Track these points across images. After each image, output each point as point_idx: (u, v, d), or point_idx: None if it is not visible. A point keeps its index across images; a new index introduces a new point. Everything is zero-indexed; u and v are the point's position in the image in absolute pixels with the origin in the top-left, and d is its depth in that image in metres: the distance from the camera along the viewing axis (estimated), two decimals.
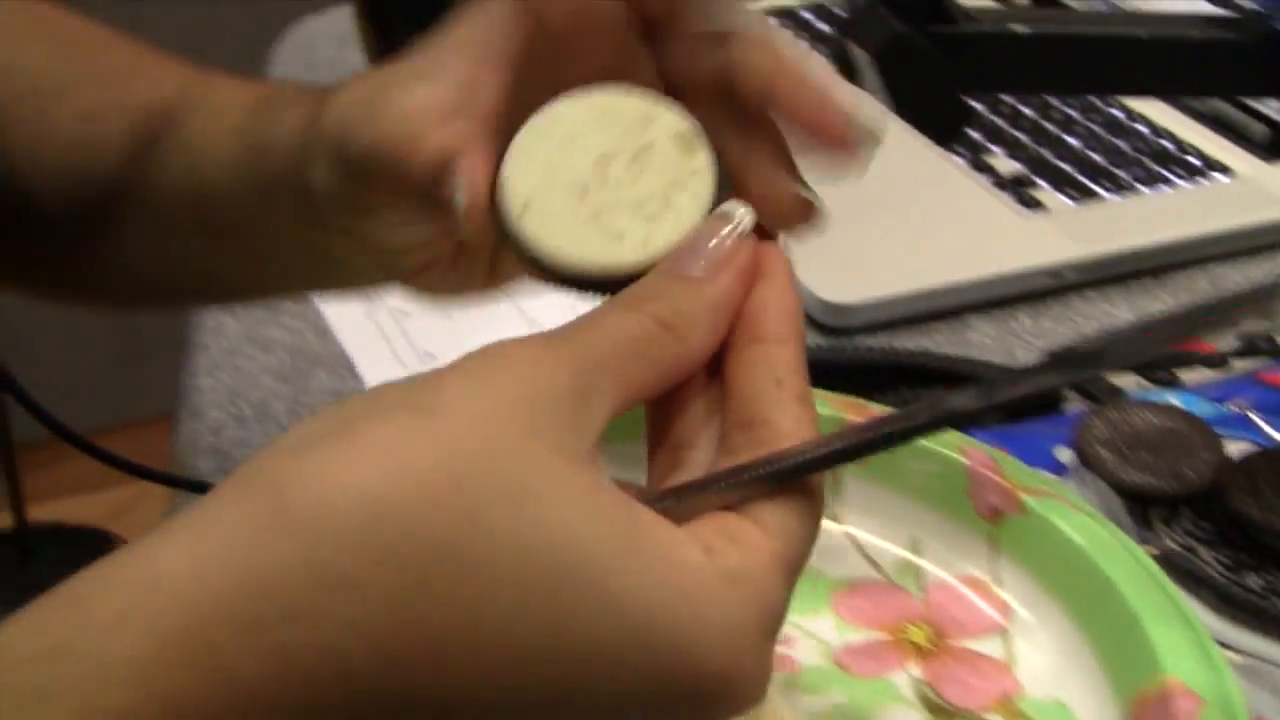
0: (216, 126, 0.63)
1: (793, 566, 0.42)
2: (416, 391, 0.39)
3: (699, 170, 0.49)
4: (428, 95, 0.51)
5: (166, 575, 0.36)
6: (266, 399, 0.83)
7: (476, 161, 0.49)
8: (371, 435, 0.37)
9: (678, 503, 0.42)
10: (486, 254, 0.59)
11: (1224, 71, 0.58)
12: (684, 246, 0.47)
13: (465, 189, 0.48)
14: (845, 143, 0.51)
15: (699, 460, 0.45)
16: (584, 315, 0.44)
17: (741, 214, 0.48)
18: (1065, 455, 0.71)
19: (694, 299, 0.45)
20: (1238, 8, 0.59)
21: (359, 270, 0.61)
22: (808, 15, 1.27)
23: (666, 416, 0.46)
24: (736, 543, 0.41)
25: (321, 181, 0.55)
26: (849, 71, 0.60)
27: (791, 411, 0.44)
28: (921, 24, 0.56)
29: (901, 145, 1.02)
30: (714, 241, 0.46)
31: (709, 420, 0.46)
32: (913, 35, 0.56)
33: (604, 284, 0.48)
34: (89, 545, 2.30)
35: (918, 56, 0.56)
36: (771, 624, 0.40)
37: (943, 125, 0.58)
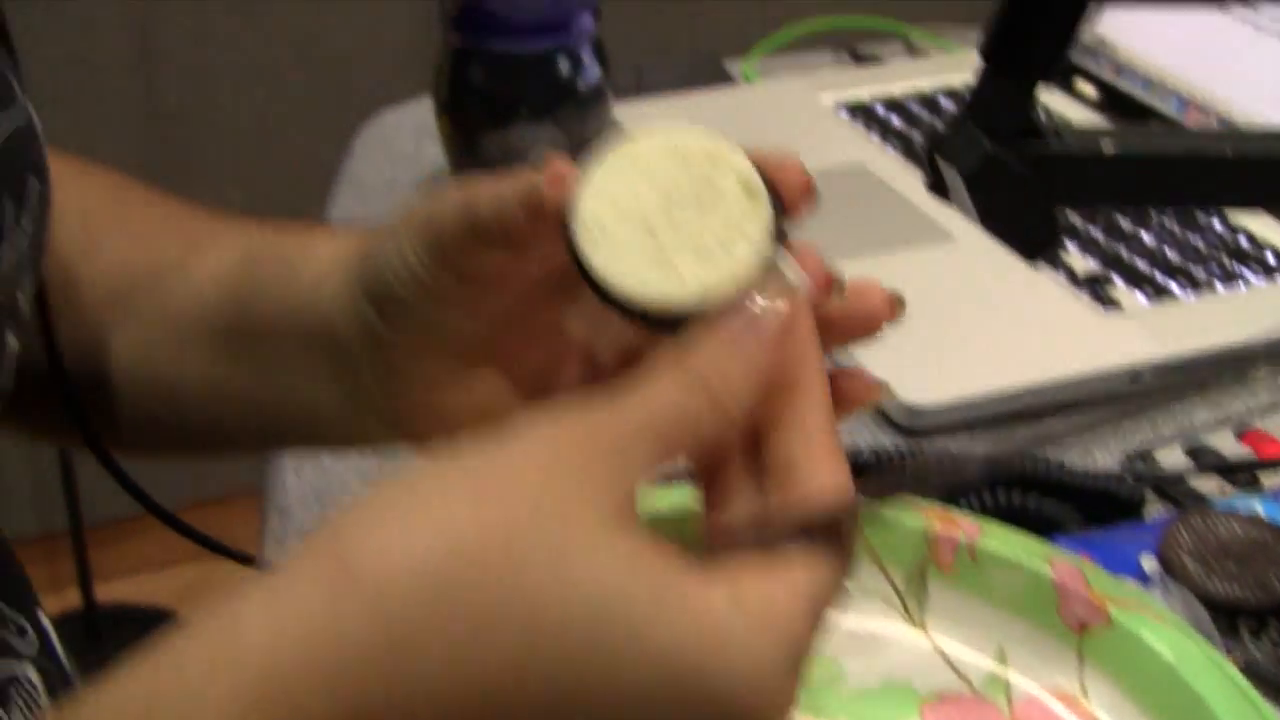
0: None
1: (820, 605, 0.45)
2: (472, 462, 0.43)
3: (760, 220, 0.50)
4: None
5: (248, 638, 0.40)
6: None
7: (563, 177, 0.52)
8: (431, 509, 0.42)
9: (713, 550, 0.46)
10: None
11: None
12: (736, 305, 0.49)
13: (550, 184, 0.51)
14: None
15: (741, 501, 0.49)
16: (631, 377, 0.47)
17: (795, 279, 0.49)
18: (1150, 564, 0.71)
19: (739, 366, 0.47)
20: None
21: (368, 414, 0.63)
22: (880, 110, 1.28)
23: (709, 466, 0.50)
24: (767, 583, 0.44)
25: (403, 271, 0.57)
26: (939, 186, 0.61)
27: (824, 463, 0.47)
28: (1012, 142, 0.57)
29: (978, 245, 1.03)
30: (764, 307, 0.48)
31: (747, 466, 0.49)
32: (1003, 155, 0.56)
33: (659, 320, 0.50)
34: (157, 626, 2.31)
35: (1008, 175, 0.57)
36: (796, 660, 0.44)
37: (1032, 242, 0.58)
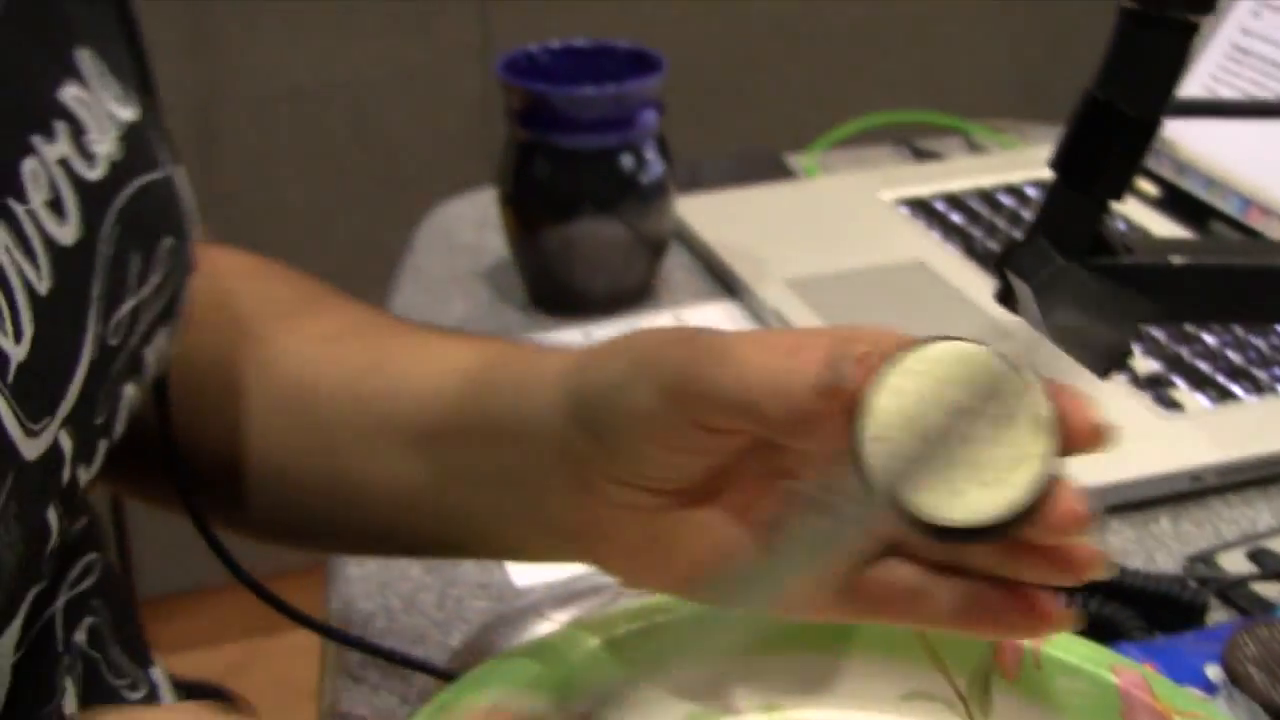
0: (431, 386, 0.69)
1: None
2: None
3: (1043, 455, 0.52)
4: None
5: None
6: (415, 590, 0.84)
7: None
8: None
9: None
10: (684, 555, 0.61)
11: None
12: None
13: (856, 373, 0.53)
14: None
15: None
16: None
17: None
18: (1215, 673, 0.71)
19: None
20: None
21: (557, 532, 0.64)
22: (940, 206, 1.28)
23: None
24: None
25: (631, 414, 0.58)
26: (1008, 298, 0.61)
27: None
28: (1082, 257, 0.58)
29: (1038, 345, 1.03)
30: None
31: None
32: (1075, 270, 0.57)
33: (925, 529, 0.52)
34: (207, 700, 2.31)
35: (1081, 289, 0.57)
36: None
37: (1103, 359, 0.58)
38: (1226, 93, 1.26)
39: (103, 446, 0.63)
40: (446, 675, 0.73)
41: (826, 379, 0.53)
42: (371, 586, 0.84)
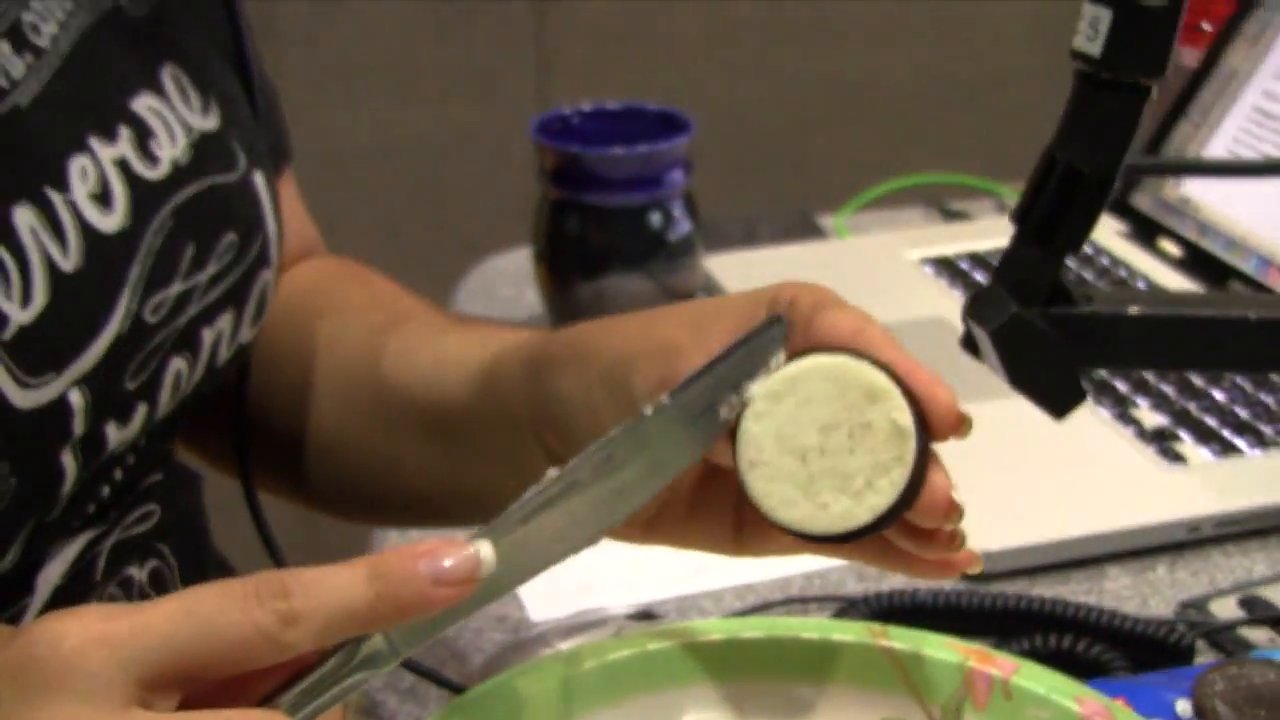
0: (466, 375, 0.78)
1: None
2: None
3: (904, 460, 0.59)
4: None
5: None
6: None
7: None
8: None
9: None
10: (729, 512, 0.67)
11: None
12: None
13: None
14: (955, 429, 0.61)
15: None
16: None
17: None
18: (1184, 708, 0.73)
19: None
20: None
21: None
22: (964, 265, 1.32)
23: None
24: None
25: (572, 389, 0.68)
26: (971, 345, 0.65)
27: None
28: (1040, 306, 0.61)
29: None
30: None
31: None
32: (1029, 316, 0.60)
33: (802, 538, 0.60)
34: None
35: (1034, 336, 0.61)
36: None
37: (1058, 401, 0.62)
38: (1248, 155, 1.29)
39: (141, 409, 0.72)
40: (459, 689, 0.77)
41: None
42: None
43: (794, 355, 0.61)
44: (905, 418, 0.59)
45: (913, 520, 0.61)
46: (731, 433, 0.60)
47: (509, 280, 1.34)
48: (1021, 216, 0.62)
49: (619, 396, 0.65)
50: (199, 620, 0.50)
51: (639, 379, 0.64)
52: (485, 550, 0.53)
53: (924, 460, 0.59)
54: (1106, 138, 0.60)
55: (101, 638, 0.49)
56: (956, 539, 0.62)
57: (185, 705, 0.51)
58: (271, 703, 0.53)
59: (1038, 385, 0.62)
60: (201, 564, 0.82)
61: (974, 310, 0.62)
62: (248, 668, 0.51)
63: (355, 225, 2.48)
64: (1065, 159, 0.60)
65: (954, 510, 0.60)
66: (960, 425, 0.60)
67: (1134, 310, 0.62)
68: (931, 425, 0.60)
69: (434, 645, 0.84)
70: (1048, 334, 0.60)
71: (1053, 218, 0.61)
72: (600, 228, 1.16)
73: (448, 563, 0.52)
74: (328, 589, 0.51)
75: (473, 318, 0.84)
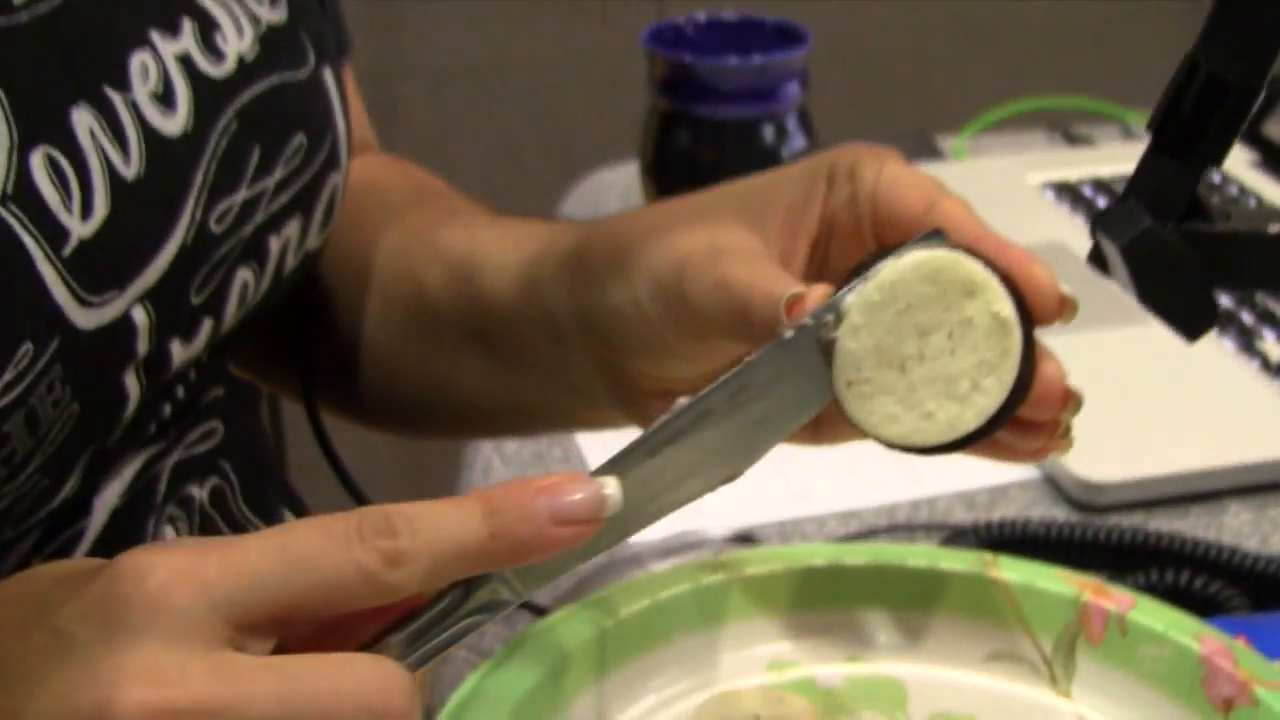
0: (503, 278, 0.73)
1: None
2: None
3: (1009, 353, 0.54)
4: (763, 262, 0.59)
5: None
6: None
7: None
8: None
9: None
10: None
11: None
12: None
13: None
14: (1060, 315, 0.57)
15: None
16: None
17: None
18: None
19: None
20: None
21: (602, 398, 0.69)
22: (1088, 191, 1.28)
23: None
24: None
25: (617, 299, 0.64)
26: (1100, 260, 0.61)
27: None
28: (1175, 221, 0.58)
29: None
30: None
31: None
32: (1162, 231, 0.57)
33: (919, 450, 0.56)
34: None
35: (1167, 252, 0.57)
36: None
37: (1190, 322, 0.58)
38: None
39: (206, 324, 0.68)
40: (543, 612, 0.75)
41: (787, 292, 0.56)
42: None
43: (879, 250, 0.57)
44: (1007, 308, 0.55)
45: (1027, 415, 0.57)
46: (826, 351, 0.56)
47: (616, 194, 1.32)
48: (1158, 126, 0.58)
49: (674, 306, 0.61)
50: (296, 558, 0.46)
51: (692, 286, 0.60)
52: (611, 487, 0.49)
53: (1030, 351, 0.55)
54: (1253, 45, 0.56)
55: (191, 574, 0.46)
56: (1061, 427, 0.58)
57: (282, 649, 0.47)
58: (377, 647, 0.49)
59: (1169, 304, 0.58)
60: (263, 483, 0.78)
61: (1104, 224, 0.58)
62: (350, 609, 0.47)
63: (468, 142, 2.48)
64: (1208, 66, 0.57)
65: (1070, 399, 0.56)
66: (1064, 308, 0.57)
67: (1275, 229, 0.59)
68: (1034, 311, 0.56)
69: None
70: (1182, 251, 0.57)
71: (1192, 128, 0.57)
72: (711, 141, 1.13)
73: (570, 499, 0.48)
74: (437, 526, 0.47)
75: (508, 214, 0.79)
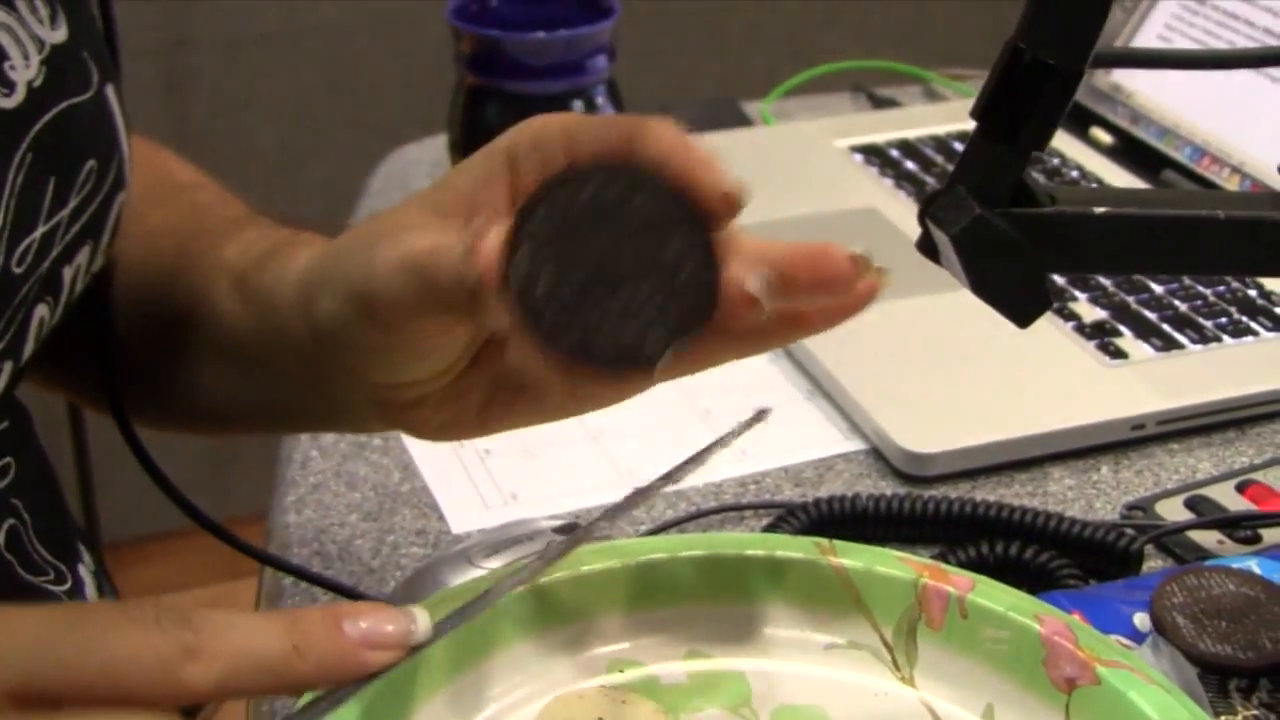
0: (223, 284, 0.71)
1: None
2: None
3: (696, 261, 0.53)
4: (442, 230, 0.57)
5: None
6: (352, 538, 0.84)
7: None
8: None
9: None
10: (474, 403, 0.64)
11: None
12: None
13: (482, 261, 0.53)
14: (855, 277, 0.56)
15: None
16: None
17: None
18: (1142, 621, 0.71)
19: None
20: None
21: (358, 408, 0.67)
22: (895, 153, 1.28)
23: None
24: None
25: (327, 313, 0.61)
26: (929, 249, 0.61)
27: None
28: (1003, 206, 0.57)
29: None
30: None
31: None
32: (993, 219, 0.57)
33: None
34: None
35: (998, 239, 0.57)
36: None
37: (1022, 309, 0.58)
38: (1181, 43, 1.26)
39: (7, 367, 0.65)
40: None
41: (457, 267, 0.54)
42: (308, 533, 0.84)
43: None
44: (685, 217, 0.53)
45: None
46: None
47: (424, 171, 1.29)
48: (983, 113, 0.58)
49: (362, 308, 0.60)
50: (90, 633, 0.44)
51: (379, 275, 0.58)
52: (421, 618, 0.50)
53: (709, 256, 0.53)
54: (1075, 29, 0.56)
55: None
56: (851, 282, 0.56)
57: None
58: None
59: (1002, 291, 0.58)
60: (58, 519, 0.74)
61: (933, 212, 0.58)
62: (139, 700, 0.44)
63: (263, 111, 2.43)
64: (1031, 51, 0.56)
65: (754, 301, 0.54)
66: (733, 203, 0.54)
67: (1100, 210, 0.59)
68: (699, 205, 0.53)
69: (348, 560, 0.81)
70: (1012, 237, 0.57)
71: (1017, 114, 0.57)
72: (520, 116, 1.09)
73: (378, 625, 0.48)
74: (239, 629, 0.45)
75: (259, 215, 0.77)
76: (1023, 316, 0.58)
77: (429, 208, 0.60)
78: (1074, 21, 0.56)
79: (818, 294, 0.56)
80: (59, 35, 0.66)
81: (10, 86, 0.62)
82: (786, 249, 0.56)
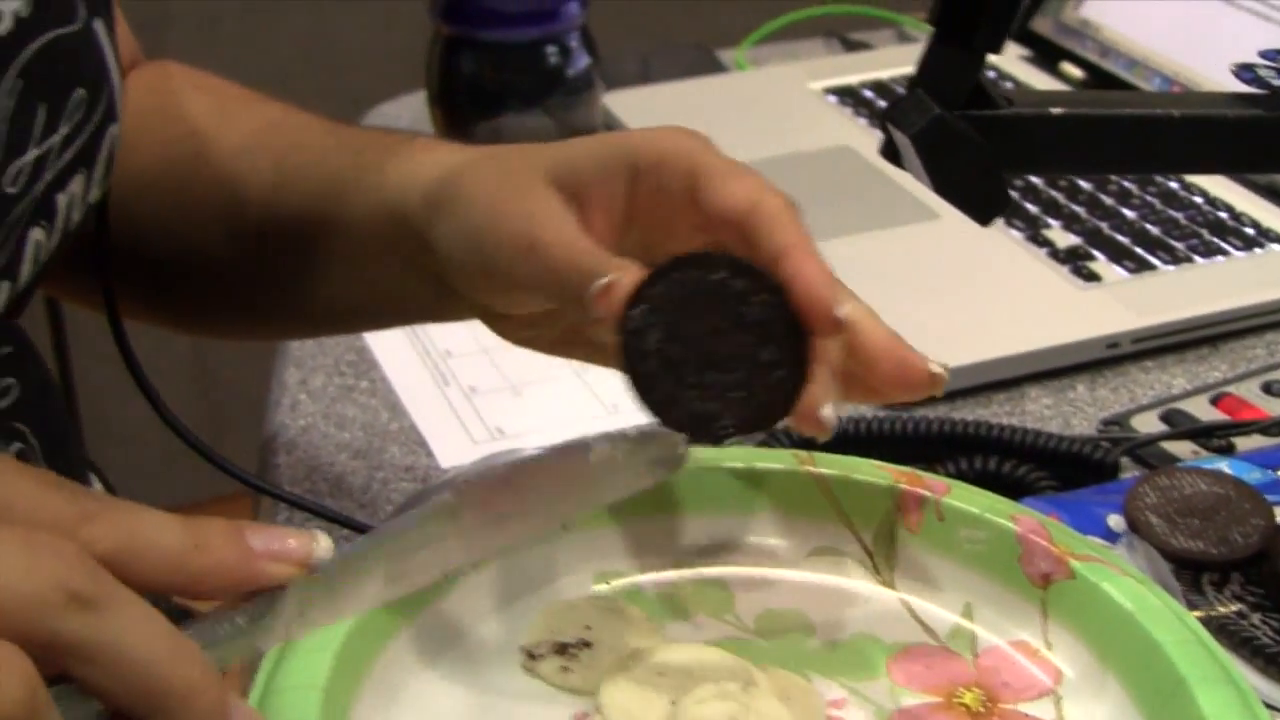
0: (341, 188, 0.75)
1: None
2: None
3: (784, 361, 0.58)
4: (575, 233, 0.61)
5: None
6: (343, 475, 0.85)
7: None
8: None
9: None
10: (552, 334, 0.69)
11: (1256, 149, 0.60)
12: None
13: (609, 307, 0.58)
14: (929, 388, 0.60)
15: None
16: None
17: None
18: (1116, 522, 0.73)
19: None
20: (1271, 86, 0.61)
21: (463, 303, 0.71)
22: (868, 94, 1.29)
23: None
24: None
25: (445, 238, 0.67)
26: (892, 154, 0.62)
27: None
28: (961, 108, 0.59)
29: (962, 221, 1.05)
30: None
31: None
32: (952, 119, 0.58)
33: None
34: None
35: (957, 139, 0.58)
36: None
37: (983, 206, 0.60)
38: None
39: (4, 287, 0.67)
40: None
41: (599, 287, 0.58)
42: (299, 472, 0.86)
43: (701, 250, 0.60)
44: (783, 323, 0.57)
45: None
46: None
47: (404, 126, 1.30)
48: (939, 17, 0.59)
49: (478, 256, 0.65)
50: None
51: (508, 246, 0.63)
52: (323, 542, 0.51)
53: (799, 362, 0.58)
54: None
55: None
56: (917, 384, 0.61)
57: None
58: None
59: (962, 190, 0.60)
60: (62, 444, 0.76)
61: (895, 115, 0.60)
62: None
63: (242, 82, 2.43)
64: None
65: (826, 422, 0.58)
66: (837, 328, 0.58)
67: (1056, 110, 0.60)
68: (809, 323, 0.58)
69: (339, 496, 0.83)
70: (971, 137, 0.58)
71: (971, 17, 0.58)
72: (496, 65, 1.12)
73: (281, 539, 0.50)
74: (141, 514, 0.47)
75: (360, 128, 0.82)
76: (983, 214, 0.60)
77: (548, 177, 0.63)
78: None
79: (891, 391, 0.61)
80: None
81: None
82: (881, 347, 0.60)
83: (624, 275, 0.57)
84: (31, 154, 0.67)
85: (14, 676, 0.41)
